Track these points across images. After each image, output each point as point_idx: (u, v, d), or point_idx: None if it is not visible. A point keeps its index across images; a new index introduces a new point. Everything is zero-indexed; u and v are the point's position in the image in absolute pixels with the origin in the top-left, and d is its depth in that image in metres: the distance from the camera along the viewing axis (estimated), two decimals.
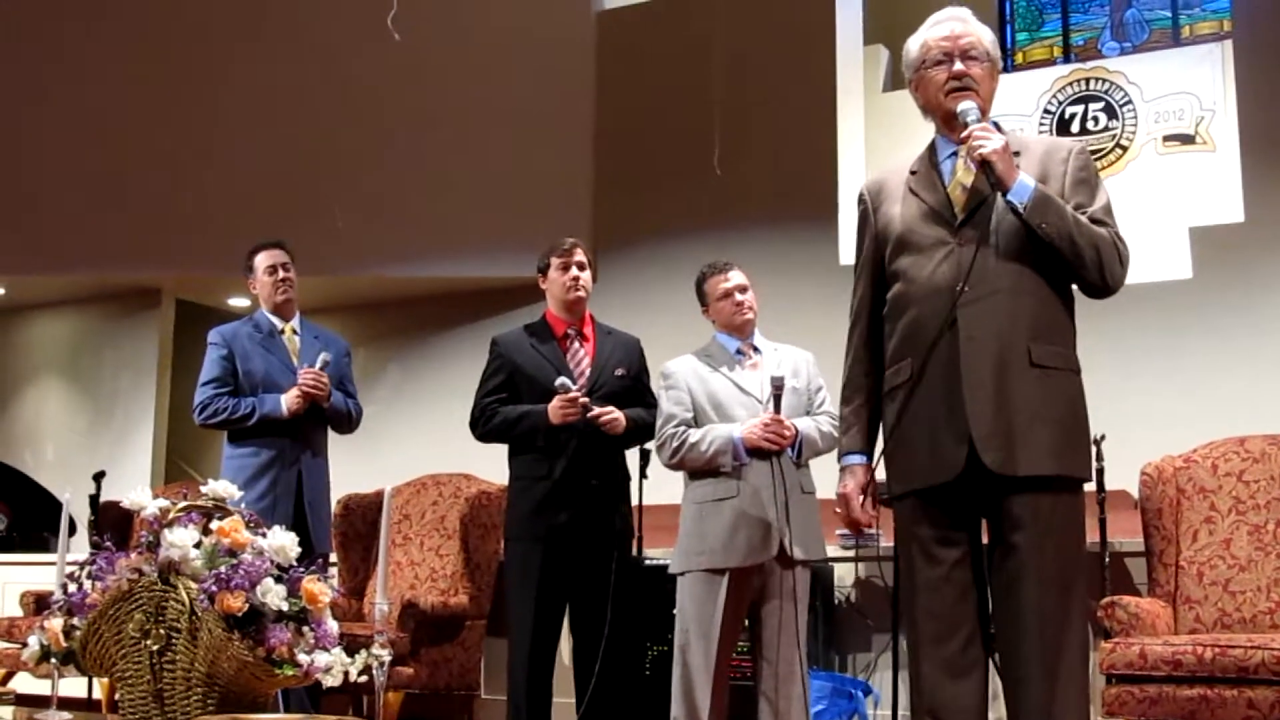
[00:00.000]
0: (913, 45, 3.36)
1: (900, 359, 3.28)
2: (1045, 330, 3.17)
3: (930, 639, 3.20)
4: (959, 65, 3.26)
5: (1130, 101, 8.69)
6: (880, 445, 3.37)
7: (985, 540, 3.26)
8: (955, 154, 3.28)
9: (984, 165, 3.15)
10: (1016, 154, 3.25)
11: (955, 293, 3.15)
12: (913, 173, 3.37)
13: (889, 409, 3.31)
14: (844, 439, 3.44)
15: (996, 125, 3.32)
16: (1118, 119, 8.68)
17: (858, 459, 3.39)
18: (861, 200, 3.49)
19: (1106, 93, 8.79)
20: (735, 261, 4.80)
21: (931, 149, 3.38)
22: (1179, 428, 5.78)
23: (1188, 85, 8.62)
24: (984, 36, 3.32)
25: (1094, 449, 5.26)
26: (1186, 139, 8.52)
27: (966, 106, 3.21)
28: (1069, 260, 3.14)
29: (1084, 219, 3.17)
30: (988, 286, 3.14)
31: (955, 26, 3.31)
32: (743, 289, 4.69)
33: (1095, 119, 8.75)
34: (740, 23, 9.39)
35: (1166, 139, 8.56)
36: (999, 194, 3.15)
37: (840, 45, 9.35)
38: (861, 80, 9.55)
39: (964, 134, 3.20)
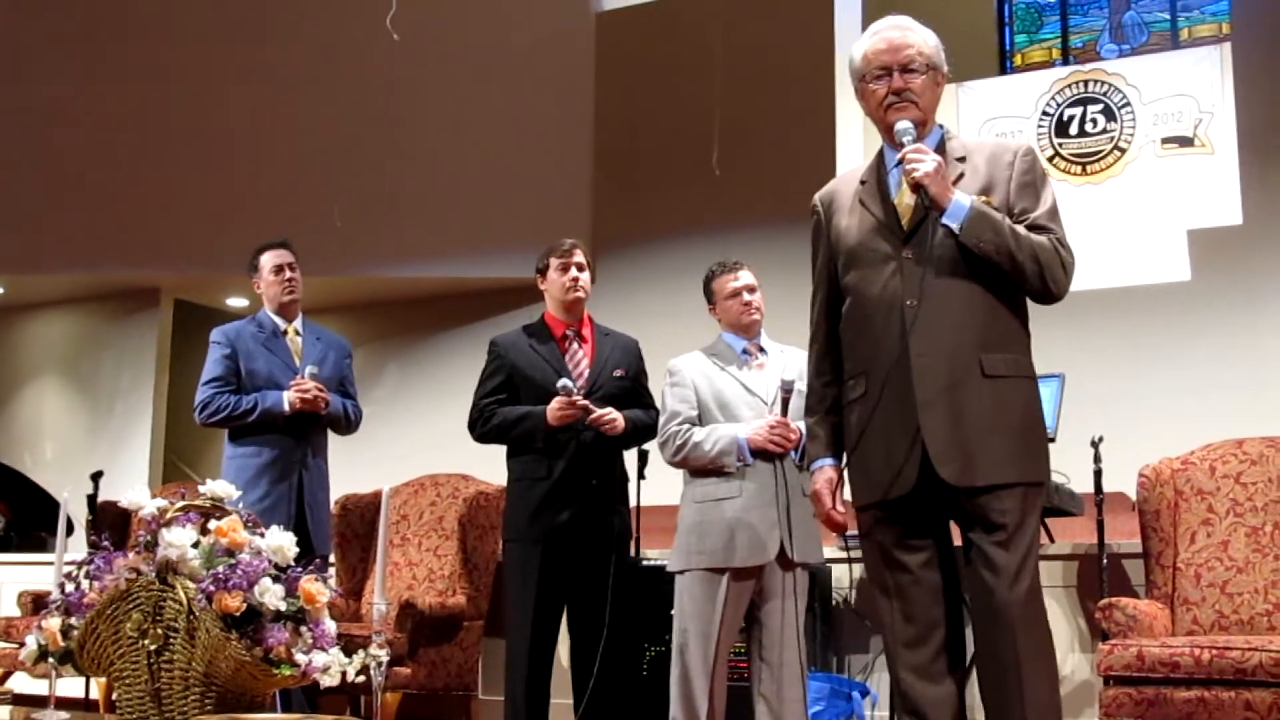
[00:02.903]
0: (855, 54, 3.36)
1: (855, 374, 3.32)
2: (996, 340, 3.19)
3: (905, 643, 3.24)
4: (897, 80, 3.26)
5: (1129, 104, 8.70)
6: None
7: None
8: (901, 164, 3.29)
9: (918, 188, 3.17)
10: (962, 159, 3.29)
11: (904, 308, 3.17)
12: (862, 183, 3.40)
13: (846, 424, 3.35)
14: (812, 446, 3.48)
15: (943, 130, 3.35)
16: (1116, 121, 8.69)
17: (827, 462, 3.42)
18: (815, 210, 3.53)
19: (1105, 95, 8.80)
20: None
21: (880, 159, 3.40)
22: (1177, 430, 5.78)
23: (1186, 88, 8.63)
24: (925, 45, 3.30)
25: (1093, 450, 5.27)
26: (1185, 141, 8.53)
27: (903, 127, 3.23)
28: (1009, 272, 3.16)
29: (1022, 230, 3.17)
30: (936, 300, 3.16)
31: (893, 37, 3.30)
32: (751, 289, 4.68)
33: (1094, 121, 8.76)
34: (739, 23, 9.40)
35: (1165, 141, 8.57)
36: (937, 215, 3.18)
37: (839, 45, 9.36)
38: None
39: (900, 155, 3.22)
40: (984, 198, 3.20)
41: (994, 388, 3.15)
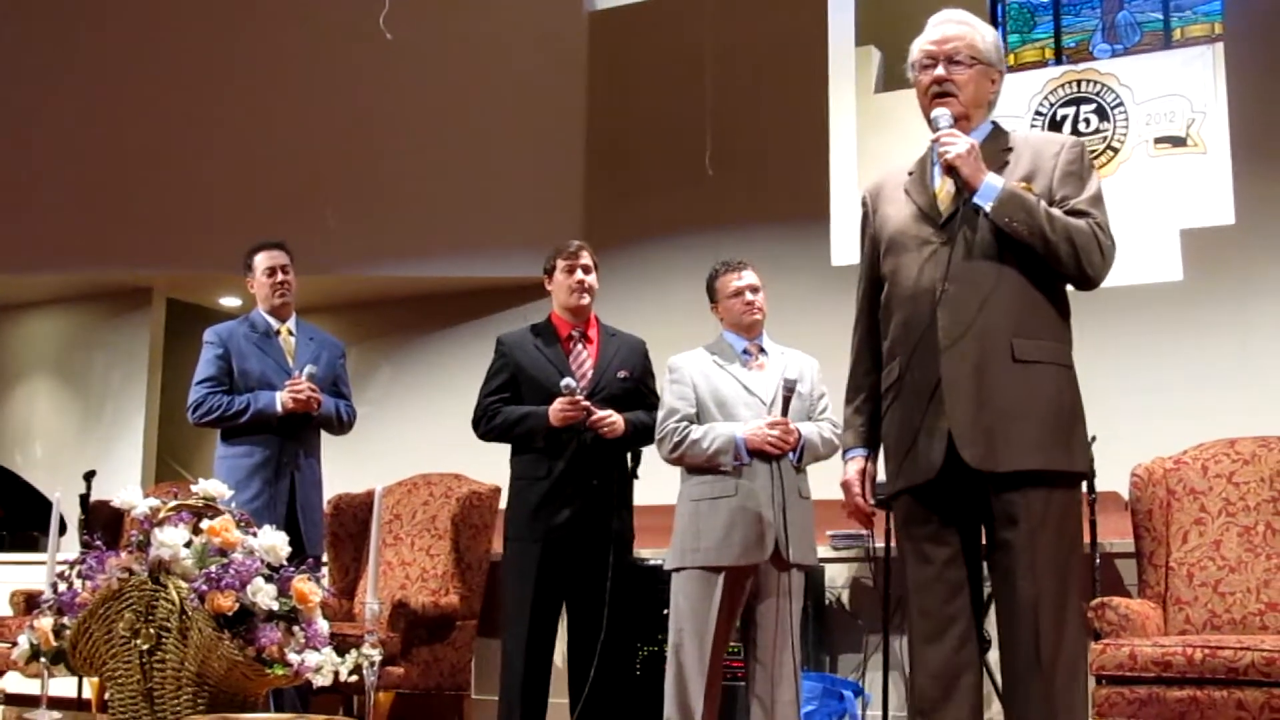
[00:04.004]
0: (913, 48, 3.41)
1: (891, 359, 3.34)
2: (1029, 325, 3.19)
3: (923, 638, 3.24)
4: (940, 70, 3.30)
5: (1122, 103, 8.70)
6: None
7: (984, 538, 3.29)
8: None
9: (950, 170, 3.20)
10: (1008, 149, 3.31)
11: (936, 291, 3.18)
12: (910, 174, 3.42)
13: (883, 409, 3.36)
14: (847, 435, 3.51)
15: (994, 124, 3.38)
16: (1109, 121, 8.69)
17: (859, 452, 3.45)
18: (863, 203, 3.56)
19: (1098, 95, 8.81)
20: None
21: (930, 151, 3.41)
22: (1169, 429, 5.78)
23: (1179, 88, 8.63)
24: (978, 39, 3.33)
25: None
26: (1178, 141, 8.53)
27: (937, 114, 3.28)
28: (1043, 255, 3.17)
29: (1058, 213, 3.18)
30: (969, 284, 3.18)
31: (946, 30, 3.35)
32: (754, 289, 4.69)
33: (1087, 121, 8.76)
34: (732, 23, 9.39)
35: (1158, 141, 8.57)
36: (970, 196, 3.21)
37: (832, 46, 9.36)
38: (854, 81, 9.55)
39: (932, 139, 3.26)
40: (1023, 183, 3.22)
41: (1024, 373, 3.15)
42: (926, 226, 3.29)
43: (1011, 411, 3.12)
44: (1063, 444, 3.17)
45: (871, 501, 3.45)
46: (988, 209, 3.17)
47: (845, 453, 3.50)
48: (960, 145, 3.19)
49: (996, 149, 3.31)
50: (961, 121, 3.29)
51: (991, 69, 3.35)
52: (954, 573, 3.23)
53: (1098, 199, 3.27)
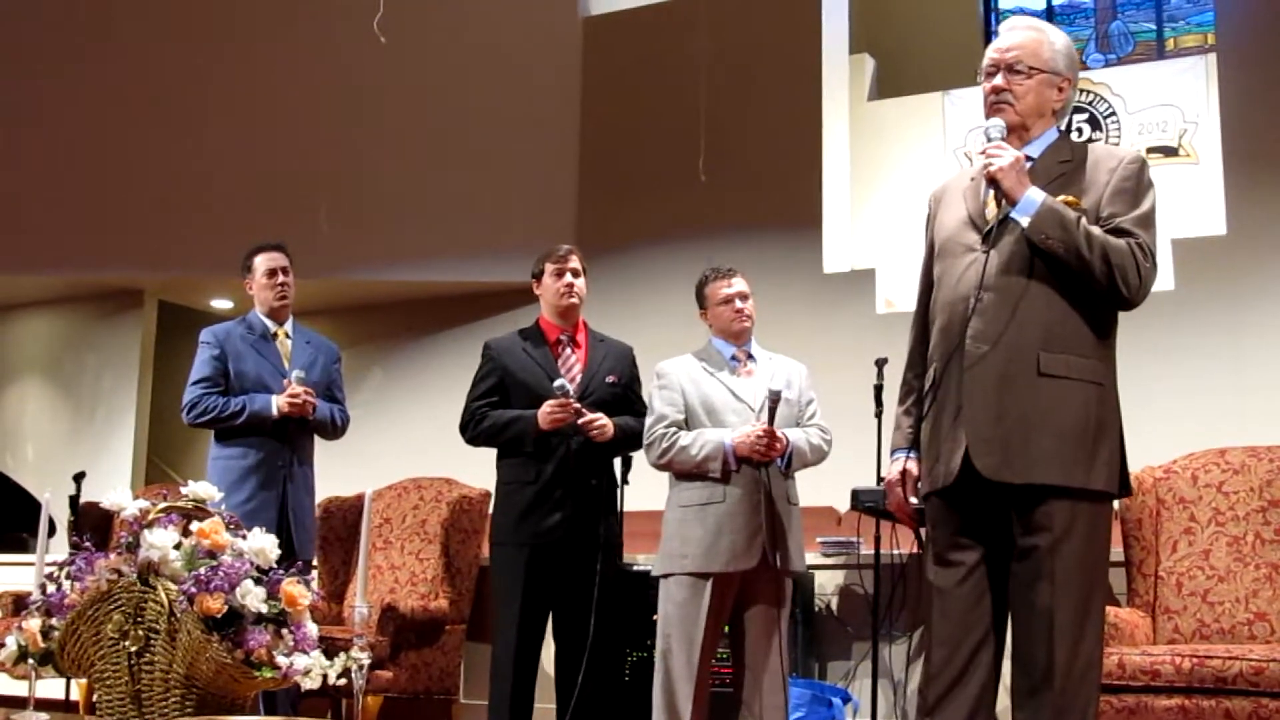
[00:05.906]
0: (985, 54, 3.39)
1: (930, 364, 3.35)
2: (1060, 339, 3.17)
3: (938, 642, 3.24)
4: (999, 80, 3.30)
5: (1114, 113, 8.73)
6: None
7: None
8: None
9: (993, 182, 3.20)
10: (1065, 161, 3.29)
11: (971, 300, 3.19)
12: (971, 180, 3.41)
13: (924, 412, 3.36)
14: (895, 435, 3.50)
15: (1059, 133, 3.36)
16: (1101, 130, 8.72)
17: (902, 453, 3.43)
18: (929, 204, 3.56)
19: (1090, 104, 8.83)
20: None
21: None
22: (1159, 438, 5.79)
23: (1171, 98, 8.67)
24: (1040, 48, 3.31)
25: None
26: (1170, 151, 8.56)
27: (988, 125, 3.29)
28: (1078, 272, 3.15)
29: (1098, 231, 3.15)
30: (1003, 295, 3.18)
31: (1012, 37, 3.33)
32: (744, 296, 4.69)
33: (1079, 130, 8.79)
34: (726, 30, 9.42)
35: (1150, 151, 8.60)
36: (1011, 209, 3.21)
37: (826, 54, 9.39)
38: (847, 89, 9.59)
39: (979, 151, 3.26)
40: (1067, 198, 3.20)
41: (1049, 387, 3.14)
42: (972, 234, 3.29)
43: (1030, 424, 3.11)
44: (1083, 461, 3.14)
45: (914, 501, 3.44)
46: (1024, 224, 3.16)
47: (892, 453, 3.50)
48: (1004, 158, 3.18)
49: (1054, 160, 3.29)
50: (1020, 131, 3.28)
51: (1057, 77, 3.31)
52: (977, 580, 3.22)
53: (1146, 219, 3.22)
